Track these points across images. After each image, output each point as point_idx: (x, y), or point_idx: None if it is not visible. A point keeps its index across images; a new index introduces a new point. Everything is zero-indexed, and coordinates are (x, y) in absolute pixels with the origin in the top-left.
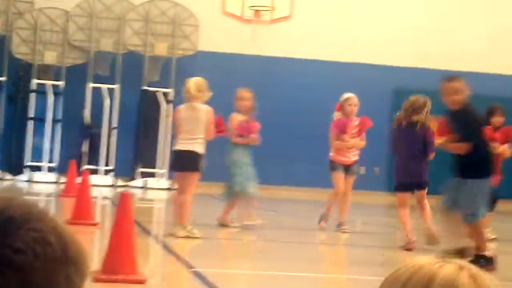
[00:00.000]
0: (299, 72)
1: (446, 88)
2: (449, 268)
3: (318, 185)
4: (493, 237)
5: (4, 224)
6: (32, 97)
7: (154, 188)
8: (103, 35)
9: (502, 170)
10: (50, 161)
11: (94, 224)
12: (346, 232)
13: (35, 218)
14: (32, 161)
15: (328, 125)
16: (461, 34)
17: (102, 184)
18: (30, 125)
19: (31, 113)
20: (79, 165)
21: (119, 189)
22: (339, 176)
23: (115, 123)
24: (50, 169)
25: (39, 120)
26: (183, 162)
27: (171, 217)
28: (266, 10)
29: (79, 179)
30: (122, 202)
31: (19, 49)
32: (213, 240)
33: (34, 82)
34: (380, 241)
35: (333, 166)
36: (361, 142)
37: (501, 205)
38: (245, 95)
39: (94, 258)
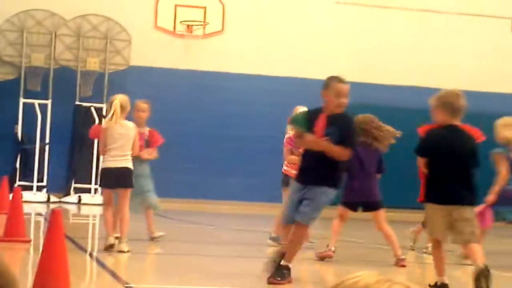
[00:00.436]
0: (232, 86)
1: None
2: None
3: (251, 199)
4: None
5: None
6: None
7: (89, 204)
8: (35, 50)
9: None
10: None
11: (27, 241)
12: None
13: None
14: None
15: (261, 139)
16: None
17: (35, 201)
18: None
19: None
20: (11, 182)
21: (53, 205)
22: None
23: (47, 139)
24: None
25: None
26: (119, 179)
27: (104, 232)
28: (198, 25)
29: (11, 196)
30: (53, 219)
31: None
32: (147, 254)
33: None
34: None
35: (286, 180)
36: None
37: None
38: (142, 106)
39: (27, 275)
